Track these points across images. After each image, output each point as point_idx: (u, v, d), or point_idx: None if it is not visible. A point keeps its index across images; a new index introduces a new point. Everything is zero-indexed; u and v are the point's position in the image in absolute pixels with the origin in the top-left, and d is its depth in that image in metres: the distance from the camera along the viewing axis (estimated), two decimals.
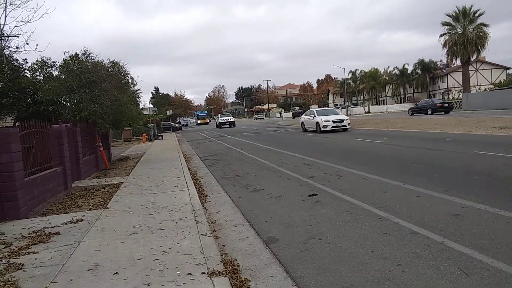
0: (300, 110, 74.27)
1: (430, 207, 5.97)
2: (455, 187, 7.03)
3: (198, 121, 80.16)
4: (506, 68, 66.02)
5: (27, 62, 13.85)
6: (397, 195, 6.90)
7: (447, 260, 4.00)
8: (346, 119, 24.82)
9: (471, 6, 44.96)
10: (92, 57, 13.45)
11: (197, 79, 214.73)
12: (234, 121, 52.24)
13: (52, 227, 6.01)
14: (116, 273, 4.08)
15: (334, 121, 24.21)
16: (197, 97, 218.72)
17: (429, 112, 37.04)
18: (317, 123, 24.73)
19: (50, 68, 13.11)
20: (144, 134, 33.37)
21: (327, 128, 23.97)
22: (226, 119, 52.12)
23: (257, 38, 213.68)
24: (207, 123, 77.28)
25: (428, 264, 3.96)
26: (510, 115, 22.55)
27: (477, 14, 44.69)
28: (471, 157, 10.51)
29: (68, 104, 13.15)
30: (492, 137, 14.90)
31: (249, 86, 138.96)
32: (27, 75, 13.56)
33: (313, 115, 26.10)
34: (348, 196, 7.06)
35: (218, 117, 56.65)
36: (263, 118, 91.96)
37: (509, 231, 4.68)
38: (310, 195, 7.44)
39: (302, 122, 28.15)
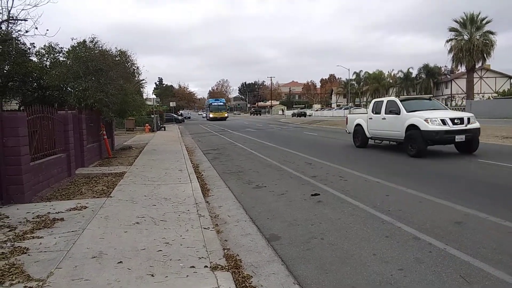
0: (301, 111, 72.10)
1: (432, 213, 6.00)
2: (458, 195, 7.06)
3: (211, 115, 60.98)
4: (511, 77, 65.92)
5: (34, 47, 13.86)
6: (399, 199, 6.94)
7: (449, 267, 4.03)
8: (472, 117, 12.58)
9: (479, 13, 44.76)
10: (100, 45, 13.45)
11: (202, 72, 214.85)
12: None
13: (56, 212, 6.05)
14: (120, 262, 4.12)
15: (453, 120, 12.07)
16: (200, 90, 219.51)
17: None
18: (413, 126, 12.30)
19: (58, 54, 13.12)
20: (147, 124, 33.40)
21: (447, 138, 11.94)
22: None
23: (265, 33, 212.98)
24: (224, 119, 59.50)
25: (430, 270, 3.99)
26: None
27: (484, 22, 44.50)
28: (474, 166, 10.54)
29: (73, 91, 13.17)
30: (495, 146, 14.91)
31: (253, 82, 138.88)
32: (34, 59, 13.56)
33: (394, 110, 13.45)
34: (350, 198, 7.09)
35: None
36: (259, 114, 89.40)
37: (511, 241, 4.71)
38: (312, 195, 7.47)
39: (358, 127, 15.93)
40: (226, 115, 61.43)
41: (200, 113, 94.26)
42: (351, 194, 7.37)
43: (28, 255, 4.29)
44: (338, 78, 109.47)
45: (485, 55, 44.24)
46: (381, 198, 7.05)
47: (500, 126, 21.74)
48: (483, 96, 54.78)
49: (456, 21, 45.70)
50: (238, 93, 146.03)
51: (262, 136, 23.24)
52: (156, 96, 58.75)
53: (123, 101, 13.58)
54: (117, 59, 14.07)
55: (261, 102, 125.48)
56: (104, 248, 4.52)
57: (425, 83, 68.45)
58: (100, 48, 13.42)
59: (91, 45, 13.23)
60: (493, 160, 10.95)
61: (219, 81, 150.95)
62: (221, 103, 65.08)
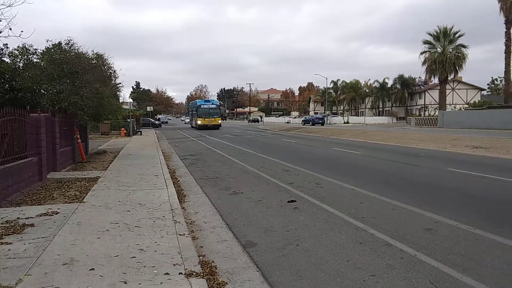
0: (255, 118, 77.43)
1: (404, 220, 6.15)
2: (428, 202, 7.26)
3: (199, 121, 44.61)
4: (481, 89, 68.51)
5: (7, 48, 13.46)
6: (373, 206, 7.07)
7: (419, 273, 4.14)
8: None
9: (452, 26, 46.45)
10: (76, 47, 13.18)
11: (180, 76, 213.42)
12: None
13: (26, 218, 5.87)
14: (92, 269, 4.03)
15: None
16: (179, 95, 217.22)
17: (311, 123, 54.32)
18: None
19: (32, 55, 12.77)
20: (122, 128, 32.87)
21: None
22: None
23: (245, 41, 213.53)
24: (217, 127, 44.94)
25: (401, 276, 4.09)
26: (482, 135, 23.40)
27: (457, 35, 46.18)
28: (444, 174, 10.86)
29: (47, 93, 12.84)
30: (465, 156, 15.43)
31: (232, 88, 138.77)
32: (7, 60, 13.17)
33: None
34: (325, 205, 7.18)
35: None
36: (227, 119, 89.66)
37: (478, 248, 4.88)
38: (289, 201, 7.53)
39: None
40: (219, 121, 46.06)
41: (182, 119, 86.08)
42: (326, 201, 7.47)
43: None
44: (316, 86, 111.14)
45: (457, 67, 45.85)
46: (356, 205, 7.17)
47: (471, 136, 22.52)
48: (454, 107, 56.70)
49: (430, 34, 47.26)
50: (217, 98, 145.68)
51: (240, 143, 23.25)
52: (133, 100, 57.84)
53: (98, 104, 13.34)
54: (93, 62, 13.83)
55: (240, 108, 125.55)
56: (75, 254, 4.42)
57: (400, 93, 70.25)
58: (76, 50, 13.16)
59: (66, 47, 12.96)
60: (463, 169, 11.32)
61: (198, 86, 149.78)
62: (214, 106, 46.93)
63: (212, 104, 47.89)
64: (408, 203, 7.18)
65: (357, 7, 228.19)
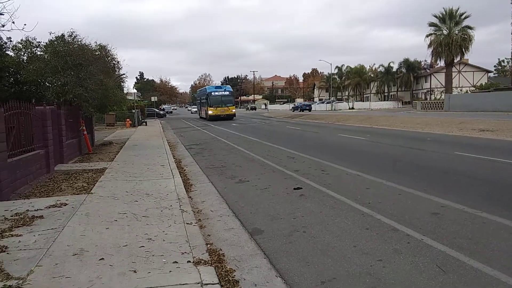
0: (253, 106, 78.78)
1: (411, 205, 6.15)
2: (435, 186, 7.24)
3: (210, 111, 38.54)
4: (488, 72, 67.54)
5: (11, 41, 13.48)
6: (379, 192, 7.07)
7: (426, 257, 4.15)
8: None
9: (458, 8, 45.68)
10: (79, 39, 13.19)
11: (184, 66, 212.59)
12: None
13: (35, 210, 5.95)
14: (102, 258, 4.09)
15: None
16: (182, 84, 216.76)
17: (299, 110, 58.87)
18: None
19: (35, 48, 12.79)
20: (127, 119, 32.99)
21: None
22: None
23: (249, 28, 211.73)
24: (231, 117, 39.27)
25: (408, 261, 4.11)
26: (489, 117, 23.18)
27: (463, 17, 45.44)
28: (451, 158, 10.80)
29: (52, 86, 12.88)
30: (472, 139, 15.32)
31: (235, 76, 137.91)
32: (11, 54, 13.20)
33: None
34: (331, 191, 7.19)
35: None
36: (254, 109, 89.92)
37: (485, 231, 4.88)
38: (294, 189, 7.55)
39: None
40: (234, 111, 40.24)
41: (189, 108, 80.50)
42: (332, 188, 7.47)
43: (7, 253, 4.22)
44: (320, 72, 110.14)
45: (463, 49, 45.22)
46: (362, 191, 7.17)
47: (477, 119, 22.31)
48: (461, 90, 56.04)
49: (436, 16, 46.52)
50: None
51: (245, 131, 23.24)
52: (137, 91, 57.78)
53: (103, 96, 13.37)
54: (97, 53, 13.82)
55: (244, 97, 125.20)
56: (85, 245, 4.48)
57: (406, 77, 69.55)
58: (79, 42, 13.16)
59: (70, 39, 12.95)
60: (469, 152, 11.25)
61: (201, 75, 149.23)
62: (227, 93, 40.28)
63: (225, 91, 40.53)
64: (414, 187, 7.17)
65: None
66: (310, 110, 59.22)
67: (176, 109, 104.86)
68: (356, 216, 5.68)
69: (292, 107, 67.43)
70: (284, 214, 6.02)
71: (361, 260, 4.19)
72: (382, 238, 4.78)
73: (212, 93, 39.87)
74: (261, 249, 4.66)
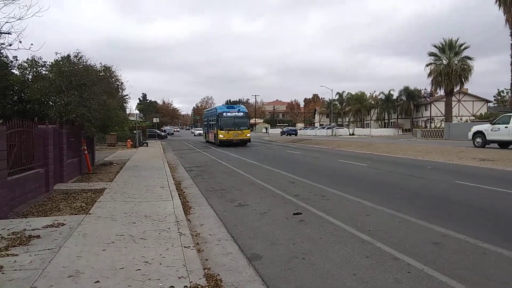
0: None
1: (411, 233, 6.09)
2: (436, 215, 7.19)
3: (221, 135, 32.56)
4: (487, 101, 68.22)
5: (17, 60, 13.70)
6: (379, 219, 7.02)
7: None
8: None
9: (457, 39, 46.59)
10: (84, 60, 13.41)
11: (187, 88, 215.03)
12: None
13: (32, 229, 5.89)
14: (98, 281, 4.03)
15: None
16: (185, 106, 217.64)
17: (286, 134, 64.97)
18: None
19: (40, 68, 12.99)
20: (129, 140, 33.08)
21: None
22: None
23: (252, 52, 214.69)
24: (245, 142, 33.47)
25: None
26: (489, 147, 23.20)
27: (462, 47, 46.25)
28: (451, 187, 10.76)
29: (55, 105, 13.01)
30: (472, 168, 15.29)
31: (237, 99, 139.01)
32: (16, 72, 13.39)
33: None
34: (331, 217, 7.13)
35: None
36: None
37: (487, 262, 4.81)
38: (294, 214, 7.49)
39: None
40: (249, 135, 33.83)
41: (192, 131, 74.53)
42: (333, 214, 7.42)
43: (2, 273, 4.16)
44: (321, 98, 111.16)
45: (463, 79, 45.79)
46: (362, 218, 7.11)
47: (478, 149, 22.34)
48: (461, 119, 56.39)
49: (436, 46, 47.36)
50: None
51: (246, 155, 23.24)
52: (140, 112, 58.30)
53: (105, 116, 13.46)
54: (101, 74, 14.02)
55: None
56: (81, 267, 4.42)
57: (406, 105, 70.16)
58: (84, 63, 13.37)
59: (75, 59, 13.17)
60: (470, 182, 11.22)
61: (204, 98, 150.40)
62: (241, 113, 34.11)
63: (239, 111, 34.15)
64: (415, 216, 7.12)
65: (364, 18, 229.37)
66: (296, 134, 64.40)
67: (178, 131, 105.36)
68: (356, 244, 5.62)
69: (280, 132, 72.31)
70: (284, 239, 5.95)
71: None
72: (382, 267, 4.71)
73: (224, 114, 33.28)
74: (259, 275, 4.59)
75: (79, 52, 13.34)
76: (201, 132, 55.77)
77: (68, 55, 13.08)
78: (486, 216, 7.25)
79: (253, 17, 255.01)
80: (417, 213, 7.36)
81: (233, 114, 33.60)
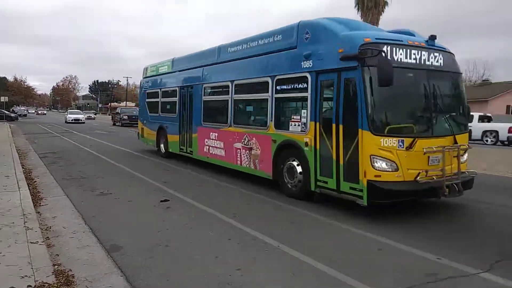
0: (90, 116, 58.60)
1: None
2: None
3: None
4: None
5: None
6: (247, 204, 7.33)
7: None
8: None
9: None
10: None
11: (47, 65, 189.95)
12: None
13: None
14: None
15: None
16: (43, 85, 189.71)
17: None
18: None
19: None
20: None
21: None
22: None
23: (126, 31, 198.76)
24: None
25: (263, 268, 4.32)
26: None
27: None
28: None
29: None
30: None
31: (107, 81, 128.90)
32: None
33: None
34: (200, 203, 7.18)
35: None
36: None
37: None
38: (161, 201, 7.32)
39: None
40: None
41: (68, 116, 45.71)
42: (202, 200, 7.46)
43: None
44: None
45: None
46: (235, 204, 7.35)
47: None
48: None
49: None
50: (89, 91, 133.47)
51: (115, 141, 21.66)
52: None
53: None
54: None
55: (115, 103, 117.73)
56: None
57: None
58: None
59: None
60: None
61: (67, 77, 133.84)
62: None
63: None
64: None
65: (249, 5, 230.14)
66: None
67: (45, 113, 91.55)
68: (223, 227, 5.78)
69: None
70: (148, 227, 5.78)
71: (220, 270, 4.25)
72: (243, 247, 4.93)
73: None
74: (118, 267, 4.36)
75: None
76: (81, 117, 43.48)
77: None
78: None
79: None
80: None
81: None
